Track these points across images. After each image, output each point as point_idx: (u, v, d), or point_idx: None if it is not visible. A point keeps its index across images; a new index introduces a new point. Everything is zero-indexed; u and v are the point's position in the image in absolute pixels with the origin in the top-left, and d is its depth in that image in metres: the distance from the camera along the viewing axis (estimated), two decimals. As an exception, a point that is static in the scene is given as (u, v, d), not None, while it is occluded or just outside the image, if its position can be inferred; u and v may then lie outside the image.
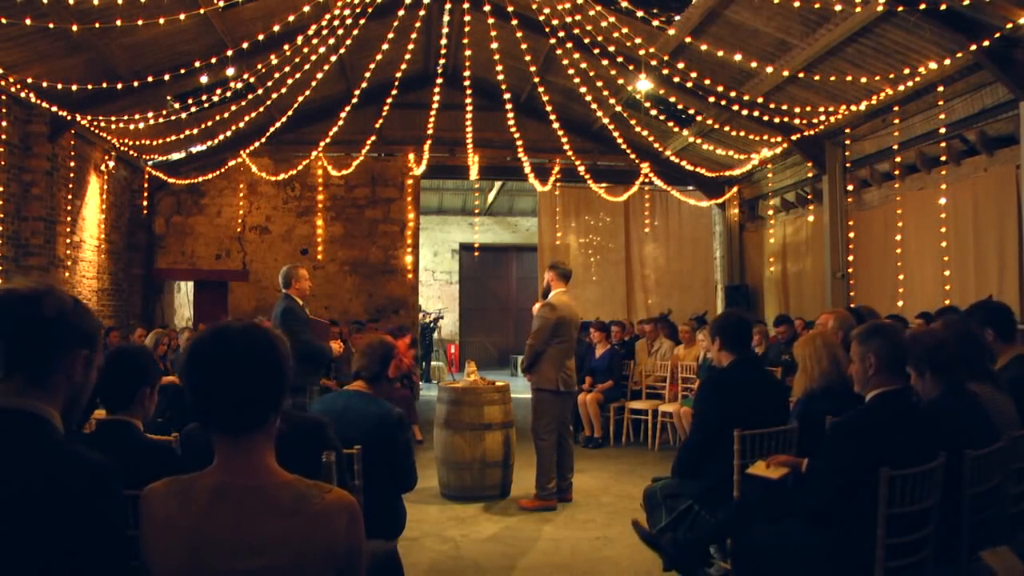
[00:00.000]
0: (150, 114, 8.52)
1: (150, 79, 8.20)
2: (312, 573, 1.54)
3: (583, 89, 8.52)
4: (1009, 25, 5.95)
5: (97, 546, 1.43)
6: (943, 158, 7.75)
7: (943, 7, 5.90)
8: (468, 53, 8.24)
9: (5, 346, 1.51)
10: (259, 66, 8.15)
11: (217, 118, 9.23)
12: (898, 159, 8.32)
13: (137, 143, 9.93)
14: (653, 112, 9.25)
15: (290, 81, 8.55)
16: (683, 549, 3.79)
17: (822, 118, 8.53)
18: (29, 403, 1.50)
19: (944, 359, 3.14)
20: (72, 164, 8.80)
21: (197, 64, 7.97)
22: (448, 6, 8.63)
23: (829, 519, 2.94)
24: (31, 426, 1.48)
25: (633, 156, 10.61)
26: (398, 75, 8.70)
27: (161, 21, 6.74)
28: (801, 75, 7.78)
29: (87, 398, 1.66)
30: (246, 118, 9.26)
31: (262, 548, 1.49)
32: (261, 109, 9.24)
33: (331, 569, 1.56)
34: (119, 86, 7.89)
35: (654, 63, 8.14)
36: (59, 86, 7.30)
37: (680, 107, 9.42)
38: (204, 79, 8.27)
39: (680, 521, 3.96)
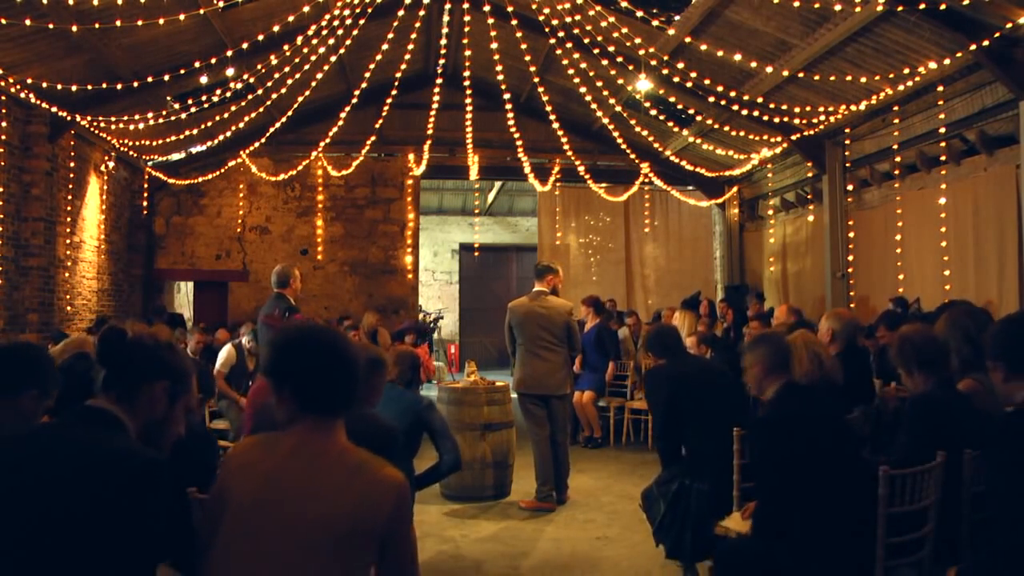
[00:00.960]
0: (150, 114, 8.52)
1: (150, 79, 8.20)
2: (361, 529, 1.81)
3: (583, 89, 8.52)
4: (1009, 25, 5.95)
5: (135, 522, 1.72)
6: (943, 158, 7.75)
7: (943, 7, 5.90)
8: (468, 53, 8.24)
9: (105, 371, 1.93)
10: (259, 66, 8.15)
11: (217, 118, 9.23)
12: (898, 159, 8.32)
13: (137, 143, 9.94)
14: (653, 112, 9.25)
15: (290, 81, 8.55)
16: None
17: (822, 118, 8.53)
18: (115, 408, 1.89)
19: (931, 355, 3.18)
20: (72, 164, 8.80)
21: (197, 64, 7.97)
22: (448, 6, 8.63)
23: (783, 528, 2.95)
24: (111, 423, 1.86)
25: (633, 156, 10.61)
26: (398, 75, 8.71)
27: (161, 21, 6.74)
28: (801, 75, 7.78)
29: (174, 425, 2.01)
30: (246, 118, 9.27)
31: (323, 497, 1.81)
32: (261, 109, 9.25)
33: (378, 531, 1.83)
34: (119, 86, 7.89)
35: (654, 63, 8.14)
36: (59, 86, 7.30)
37: (680, 107, 9.42)
38: (204, 79, 8.27)
39: (677, 502, 4.08)
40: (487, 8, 7.74)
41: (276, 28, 7.44)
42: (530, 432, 6.10)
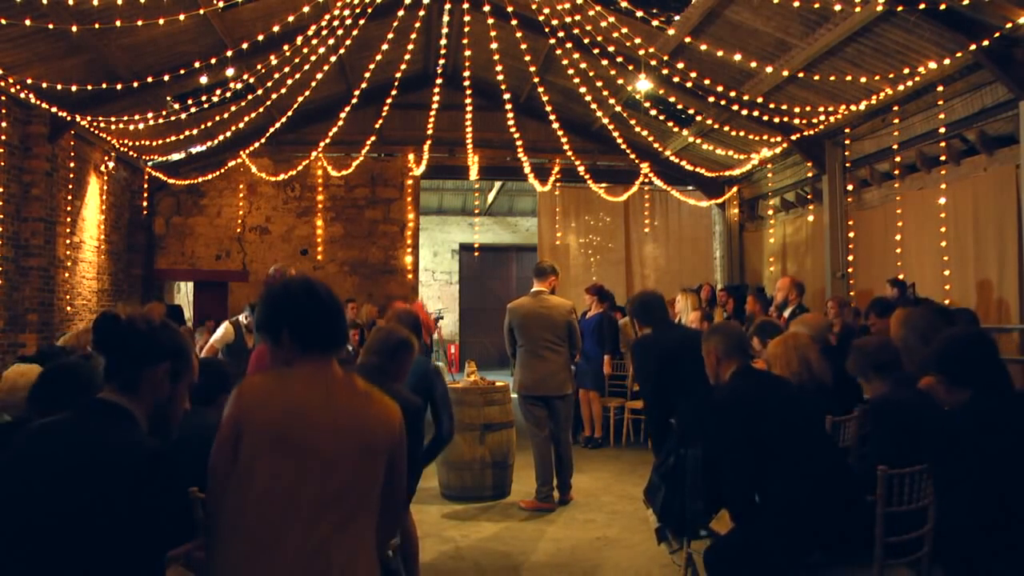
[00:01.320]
0: (150, 114, 8.52)
1: (150, 79, 8.20)
2: (379, 443, 2.06)
3: (583, 89, 8.52)
4: (1009, 25, 5.95)
5: (143, 512, 1.82)
6: (943, 158, 7.75)
7: (943, 7, 5.89)
8: (468, 53, 8.24)
9: (104, 359, 2.00)
10: (259, 66, 8.15)
11: (217, 118, 9.23)
12: (898, 159, 8.32)
13: (137, 143, 9.93)
14: (653, 112, 9.25)
15: (290, 81, 8.55)
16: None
17: (822, 118, 8.53)
18: (122, 399, 1.96)
19: (883, 360, 3.34)
20: (72, 165, 8.80)
21: (197, 64, 7.97)
22: (448, 6, 8.63)
23: (745, 509, 3.09)
24: (120, 414, 1.94)
25: (633, 156, 10.61)
26: (398, 75, 8.71)
27: (161, 22, 6.73)
28: (801, 75, 7.77)
29: (180, 402, 2.10)
30: (246, 118, 9.26)
31: (344, 414, 2.03)
32: (261, 109, 9.25)
33: (389, 445, 2.08)
34: (119, 87, 7.89)
35: (654, 63, 8.14)
36: (59, 87, 7.30)
37: (680, 107, 9.42)
38: (204, 79, 8.27)
39: (674, 473, 4.05)
40: (487, 8, 7.74)
41: (276, 28, 7.44)
42: (530, 433, 6.10)
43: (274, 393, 2.03)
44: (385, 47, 8.12)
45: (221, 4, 7.19)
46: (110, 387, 1.98)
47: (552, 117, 9.54)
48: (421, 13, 8.06)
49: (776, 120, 9.14)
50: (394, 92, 9.22)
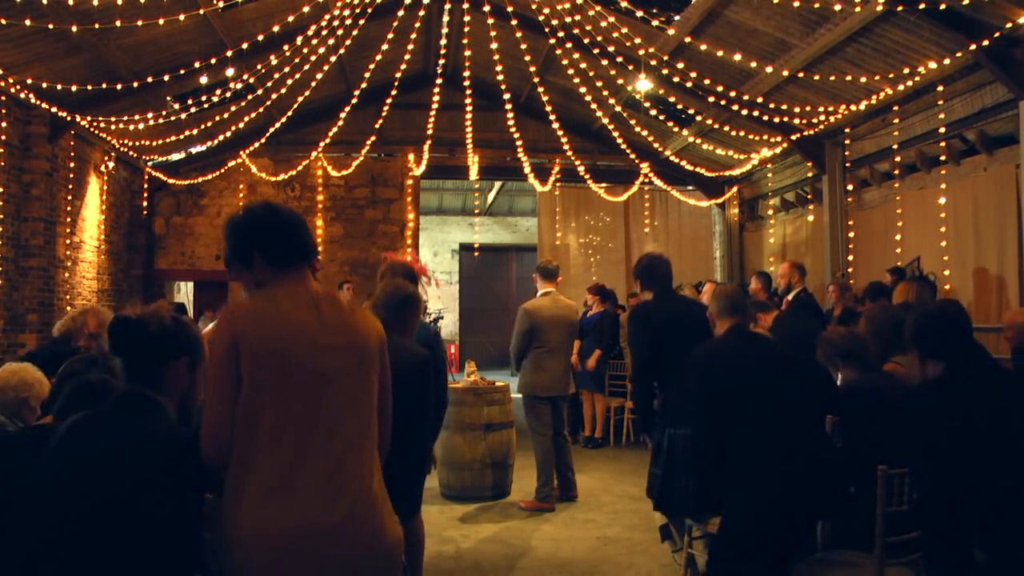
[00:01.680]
0: (150, 114, 8.52)
1: (150, 79, 8.20)
2: (371, 352, 2.11)
3: (583, 89, 8.52)
4: (1009, 25, 5.95)
5: (170, 489, 1.94)
6: (943, 158, 7.75)
7: (943, 7, 5.89)
8: (468, 53, 8.24)
9: (124, 361, 2.10)
10: (259, 66, 8.15)
11: (217, 118, 9.23)
12: (898, 159, 8.32)
13: (137, 143, 9.94)
14: (653, 112, 9.25)
15: (290, 81, 8.55)
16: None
17: (822, 118, 8.53)
18: (152, 393, 2.06)
19: (848, 348, 3.45)
20: (72, 165, 8.80)
21: (197, 64, 7.97)
22: (448, 6, 8.63)
23: (715, 464, 3.17)
24: (153, 406, 2.04)
25: (633, 156, 10.61)
26: (398, 75, 8.71)
27: (161, 22, 6.74)
28: (801, 75, 7.77)
29: (198, 392, 2.15)
30: (246, 118, 9.26)
31: (335, 329, 2.06)
32: (261, 109, 9.25)
33: (379, 351, 2.14)
34: (119, 86, 7.89)
35: (654, 63, 8.14)
36: (59, 87, 7.30)
37: (680, 107, 9.42)
38: (204, 79, 8.27)
39: (668, 456, 4.08)
40: (487, 8, 7.74)
41: (276, 28, 7.44)
42: (535, 433, 6.08)
43: (265, 315, 2.02)
44: (385, 47, 8.12)
45: (221, 4, 7.20)
46: (136, 385, 2.07)
47: (552, 117, 9.54)
48: (421, 13, 8.06)
49: (776, 120, 9.15)
50: (394, 92, 9.22)
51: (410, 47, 8.27)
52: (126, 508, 1.89)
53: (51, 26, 6.52)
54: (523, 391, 6.12)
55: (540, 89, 9.08)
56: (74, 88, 7.37)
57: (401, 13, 7.79)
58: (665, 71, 8.44)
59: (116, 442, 1.96)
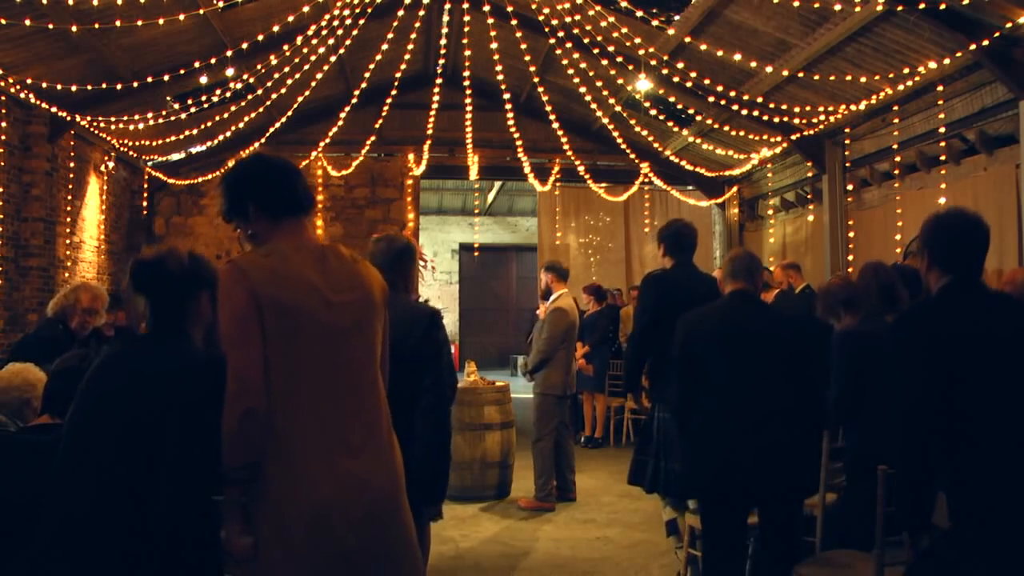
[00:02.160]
0: (150, 114, 8.52)
1: (150, 79, 8.19)
2: (377, 309, 2.14)
3: (583, 89, 8.51)
4: (1009, 24, 5.95)
5: (199, 406, 2.00)
6: (943, 158, 7.75)
7: (943, 6, 5.89)
8: (468, 53, 8.24)
9: (148, 300, 2.17)
10: (259, 66, 8.14)
11: (217, 118, 9.22)
12: (898, 159, 8.32)
13: (137, 143, 9.93)
14: (653, 112, 9.25)
15: (290, 81, 8.55)
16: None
17: (822, 118, 8.53)
18: (180, 325, 2.16)
19: (849, 296, 3.54)
20: (72, 165, 8.79)
21: (197, 64, 7.96)
22: (448, 6, 8.63)
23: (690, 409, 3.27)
24: (183, 336, 2.15)
25: (633, 156, 10.61)
26: (398, 75, 8.71)
27: (160, 22, 6.73)
28: (801, 75, 7.77)
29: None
30: (246, 118, 9.26)
31: (349, 284, 2.10)
32: (261, 109, 9.24)
33: (383, 311, 2.18)
34: (119, 87, 7.88)
35: (654, 63, 8.14)
36: (59, 87, 7.29)
37: (680, 107, 9.42)
38: (204, 79, 8.26)
39: (656, 434, 4.16)
40: (487, 8, 7.74)
41: (276, 28, 7.43)
42: (543, 432, 6.09)
43: (281, 273, 2.00)
44: (385, 47, 8.12)
45: (221, 4, 7.19)
46: (163, 319, 2.16)
47: (552, 117, 9.54)
48: (421, 13, 8.05)
49: (776, 120, 9.14)
50: (394, 92, 9.22)
51: (410, 47, 8.27)
52: (172, 426, 1.96)
53: (51, 26, 6.52)
54: (551, 391, 6.11)
55: (540, 89, 9.08)
56: (74, 88, 7.37)
57: (401, 13, 7.78)
58: (665, 71, 8.44)
59: (152, 367, 2.05)
